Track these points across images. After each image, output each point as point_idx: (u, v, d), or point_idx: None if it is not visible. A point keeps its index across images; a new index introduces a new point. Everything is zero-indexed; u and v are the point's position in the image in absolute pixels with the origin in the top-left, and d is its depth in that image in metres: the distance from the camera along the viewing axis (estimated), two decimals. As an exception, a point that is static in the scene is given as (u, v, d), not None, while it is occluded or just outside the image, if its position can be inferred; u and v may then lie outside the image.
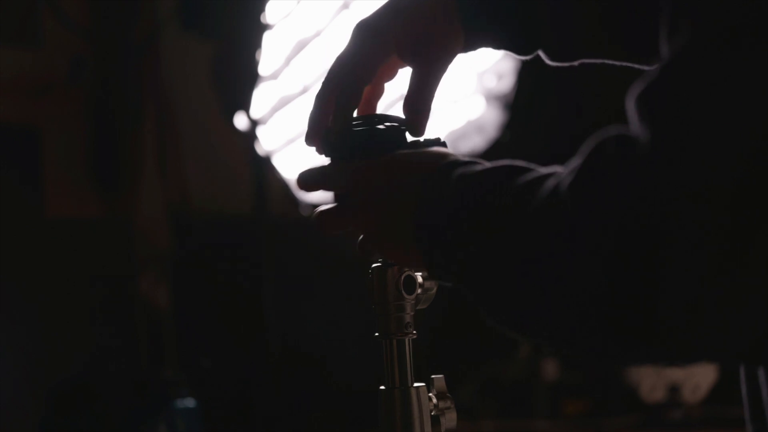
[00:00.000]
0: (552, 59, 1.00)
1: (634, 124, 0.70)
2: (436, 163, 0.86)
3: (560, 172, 0.76)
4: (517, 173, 0.79)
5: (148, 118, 2.97)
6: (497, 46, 0.99)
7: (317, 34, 3.21)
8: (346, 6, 3.22)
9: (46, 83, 2.81)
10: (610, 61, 1.01)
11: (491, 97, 3.29)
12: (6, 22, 2.76)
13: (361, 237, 0.92)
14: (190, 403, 2.60)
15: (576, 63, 1.01)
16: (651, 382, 2.95)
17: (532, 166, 0.80)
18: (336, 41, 3.22)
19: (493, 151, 3.18)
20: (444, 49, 0.96)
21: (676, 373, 2.94)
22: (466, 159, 0.85)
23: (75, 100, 2.87)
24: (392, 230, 0.87)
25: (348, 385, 2.79)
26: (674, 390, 2.94)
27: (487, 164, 0.83)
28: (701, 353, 0.71)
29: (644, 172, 0.68)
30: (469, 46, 0.98)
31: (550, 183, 0.75)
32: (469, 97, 3.31)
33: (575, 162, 0.74)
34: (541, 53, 1.00)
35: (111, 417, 2.66)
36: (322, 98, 0.96)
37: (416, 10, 0.95)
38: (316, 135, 0.97)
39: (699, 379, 2.95)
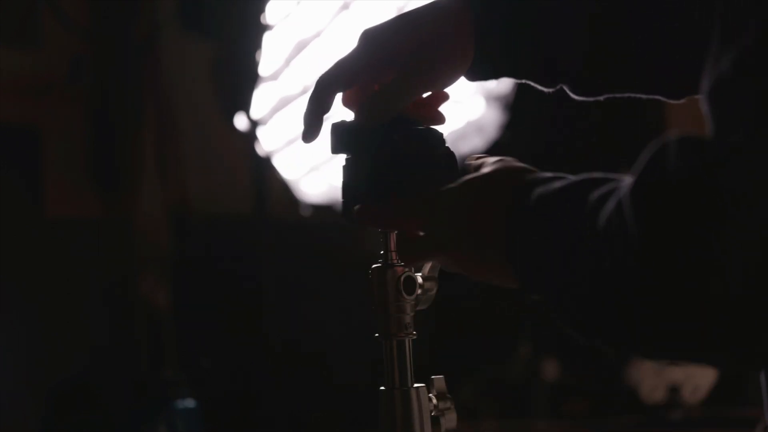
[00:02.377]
0: (576, 93, 0.99)
1: (708, 123, 0.69)
2: (512, 184, 0.85)
3: (616, 197, 0.74)
4: (591, 187, 0.78)
5: (148, 118, 2.97)
6: (517, 76, 0.98)
7: (317, 35, 3.21)
8: (346, 7, 3.22)
9: (46, 83, 2.81)
10: (636, 95, 1.00)
11: (491, 98, 3.29)
12: (6, 22, 2.76)
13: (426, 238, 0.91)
14: (190, 403, 2.60)
15: (601, 98, 1.00)
16: (651, 382, 2.95)
17: (608, 176, 0.79)
18: (336, 42, 3.22)
19: (493, 151, 3.18)
20: (445, 65, 0.95)
21: (676, 374, 2.94)
22: (543, 176, 0.84)
23: (75, 100, 2.87)
24: (482, 256, 0.86)
25: (348, 385, 2.79)
26: (674, 390, 2.94)
27: (564, 181, 0.82)
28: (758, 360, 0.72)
29: (719, 168, 0.67)
30: (482, 72, 0.97)
31: (615, 196, 0.74)
32: (469, 97, 3.31)
33: (636, 167, 0.72)
34: (565, 87, 0.99)
35: (111, 417, 2.66)
36: (317, 99, 0.96)
37: (425, 24, 0.95)
38: (314, 133, 0.96)
39: (699, 379, 2.95)
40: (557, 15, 0.95)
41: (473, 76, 0.98)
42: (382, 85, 0.95)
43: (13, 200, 2.71)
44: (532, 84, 0.99)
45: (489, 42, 0.95)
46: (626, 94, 1.00)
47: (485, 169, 0.89)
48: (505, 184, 0.86)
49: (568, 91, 0.99)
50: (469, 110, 3.33)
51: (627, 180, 0.73)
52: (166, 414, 2.58)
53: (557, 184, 0.81)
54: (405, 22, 0.96)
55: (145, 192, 2.96)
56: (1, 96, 2.72)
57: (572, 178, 0.81)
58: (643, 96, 1.00)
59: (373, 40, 0.95)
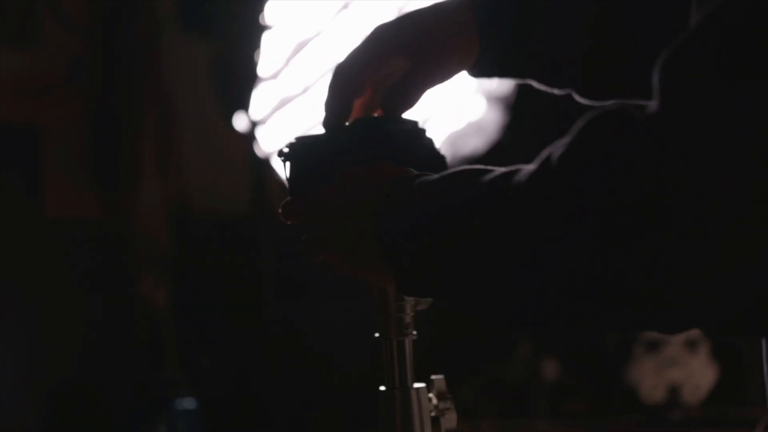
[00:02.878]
0: (582, 96, 0.99)
1: (654, 94, 0.69)
2: (391, 177, 0.85)
3: (530, 167, 0.74)
4: (481, 173, 0.77)
5: (148, 118, 2.97)
6: (521, 75, 0.99)
7: (317, 35, 3.21)
8: (345, 6, 3.22)
9: (46, 83, 2.81)
10: (644, 100, 1.00)
11: (492, 98, 3.29)
12: (6, 22, 2.76)
13: (313, 236, 0.92)
14: (190, 403, 2.60)
15: (608, 102, 1.00)
16: (651, 382, 2.95)
17: (493, 168, 0.78)
18: (336, 42, 3.22)
19: (493, 152, 3.18)
20: (450, 56, 0.96)
21: (676, 374, 2.94)
22: (422, 172, 0.84)
23: (75, 100, 2.87)
24: (357, 251, 0.85)
25: (348, 385, 2.79)
26: (674, 390, 2.94)
27: (446, 172, 0.81)
28: (691, 321, 0.71)
29: (650, 138, 0.67)
30: (486, 69, 0.98)
31: (527, 169, 0.73)
32: (469, 97, 3.31)
33: (566, 138, 0.72)
34: (571, 91, 0.99)
35: (111, 417, 2.66)
36: (334, 90, 0.97)
37: (430, 18, 0.96)
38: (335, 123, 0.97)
39: (699, 379, 2.95)
40: (560, 15, 0.96)
41: (477, 73, 0.98)
42: (398, 79, 0.96)
43: (13, 200, 2.71)
44: (537, 85, 0.99)
45: (492, 39, 0.96)
46: (634, 99, 1.00)
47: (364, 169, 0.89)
48: (383, 176, 0.86)
49: (574, 95, 0.99)
50: (469, 111, 3.33)
51: (550, 152, 0.72)
52: (166, 414, 2.58)
53: (437, 175, 0.81)
54: (411, 16, 0.97)
55: (145, 192, 2.96)
56: (1, 96, 2.72)
57: (453, 168, 0.81)
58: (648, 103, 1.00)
59: (383, 31, 0.97)
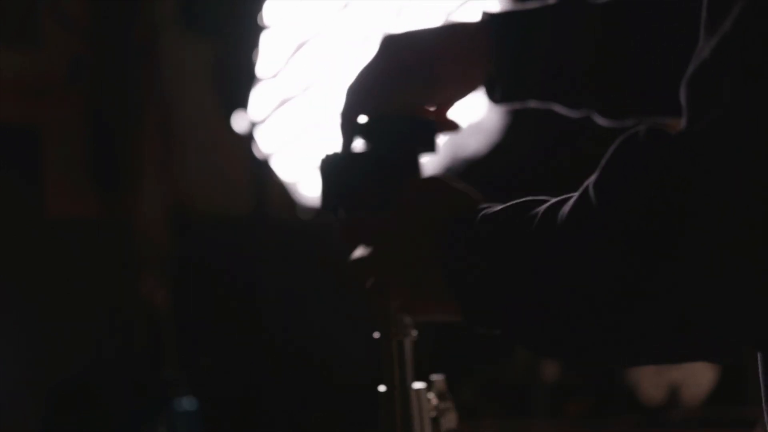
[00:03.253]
0: (602, 118, 0.99)
1: (684, 110, 0.69)
2: (453, 206, 0.85)
3: (574, 197, 0.74)
4: (536, 204, 0.78)
5: (148, 118, 2.97)
6: (538, 98, 0.99)
7: (317, 35, 3.21)
8: (345, 6, 3.22)
9: (46, 83, 2.81)
10: (662, 118, 1.00)
11: (491, 98, 3.28)
12: (6, 23, 2.76)
13: (377, 280, 0.90)
14: (190, 403, 2.60)
15: (628, 122, 0.99)
16: (651, 382, 2.95)
17: (550, 198, 0.79)
18: (335, 42, 3.22)
19: (493, 153, 3.18)
20: (460, 81, 0.97)
21: (676, 374, 2.94)
22: (484, 205, 0.83)
23: (75, 100, 2.87)
24: (420, 282, 0.85)
25: (348, 385, 2.79)
26: (674, 390, 2.94)
27: (507, 205, 0.81)
28: (735, 344, 0.71)
29: (680, 156, 0.66)
30: (508, 94, 0.98)
31: (571, 200, 0.73)
32: (470, 98, 3.30)
33: (601, 162, 0.72)
34: (590, 113, 0.99)
35: (111, 417, 2.66)
36: (349, 116, 0.97)
37: (443, 38, 0.96)
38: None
39: (699, 379, 2.95)
40: (573, 36, 0.96)
41: (499, 99, 0.99)
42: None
43: (13, 200, 2.71)
44: (559, 109, 1.00)
45: (512, 64, 0.96)
46: (651, 117, 1.00)
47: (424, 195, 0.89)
48: (445, 203, 0.85)
49: (594, 117, 0.99)
50: (469, 112, 3.33)
51: (588, 181, 0.72)
52: (166, 414, 2.58)
53: (498, 207, 0.81)
54: (425, 33, 0.97)
55: (145, 192, 2.96)
56: (1, 96, 2.72)
57: (516, 201, 0.81)
58: (669, 119, 1.00)
59: (392, 46, 0.97)
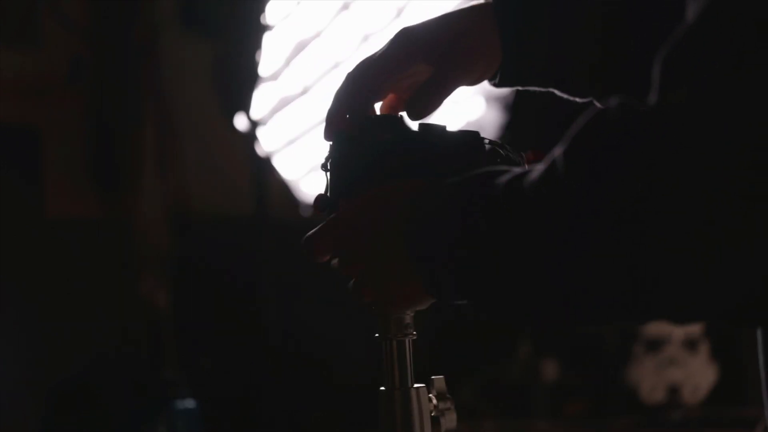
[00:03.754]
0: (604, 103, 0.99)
1: (654, 87, 0.69)
2: (415, 188, 0.85)
3: (540, 166, 0.75)
4: (499, 174, 0.78)
5: (148, 118, 2.97)
6: (545, 84, 0.99)
7: (317, 35, 3.21)
8: (345, 7, 3.22)
9: (46, 83, 2.81)
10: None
11: (491, 98, 3.29)
12: (6, 23, 2.76)
13: (354, 281, 0.91)
14: (189, 403, 2.60)
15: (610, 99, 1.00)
16: (651, 382, 2.95)
17: (509, 168, 0.80)
18: (336, 42, 3.22)
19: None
20: (475, 63, 0.96)
21: (676, 374, 2.94)
22: (449, 179, 0.84)
23: (75, 100, 2.87)
24: (385, 259, 0.86)
25: (348, 385, 2.79)
26: (674, 390, 2.94)
27: (467, 175, 0.82)
28: (697, 309, 0.71)
29: (648, 131, 0.67)
30: (509, 79, 0.98)
31: (538, 169, 0.74)
32: (469, 97, 3.31)
33: (570, 135, 0.73)
34: (593, 100, 0.99)
35: (111, 417, 2.66)
36: (344, 94, 0.96)
37: (458, 25, 0.96)
38: (334, 129, 0.96)
39: (699, 379, 2.95)
40: (580, 23, 0.96)
41: (500, 83, 0.99)
42: (422, 83, 0.96)
43: (13, 200, 2.71)
44: (560, 93, 0.99)
45: (515, 48, 0.96)
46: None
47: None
48: (407, 189, 0.86)
49: (595, 102, 0.99)
50: (469, 110, 3.33)
51: (555, 153, 0.73)
52: (166, 414, 2.58)
53: (458, 178, 0.81)
54: (437, 22, 0.97)
55: (145, 192, 2.96)
56: (1, 96, 2.72)
57: (474, 171, 0.81)
58: None
59: (408, 35, 0.96)
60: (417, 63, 0.95)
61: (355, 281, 0.91)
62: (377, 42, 3.25)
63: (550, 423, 3.00)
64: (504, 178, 0.77)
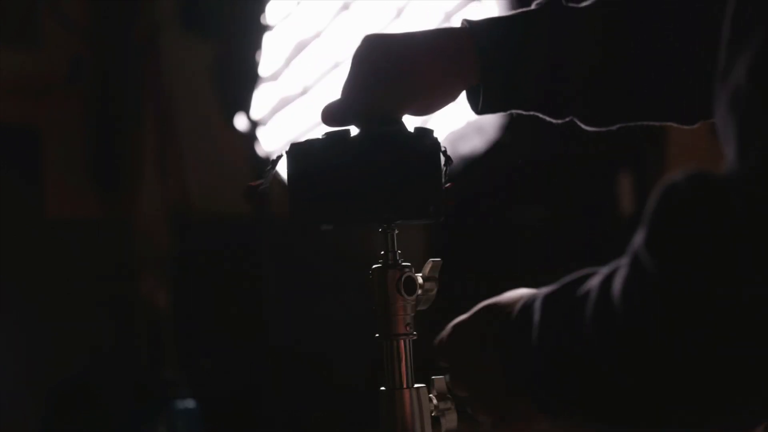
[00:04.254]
0: (587, 125, 0.98)
1: (729, 151, 0.63)
2: (508, 308, 0.85)
3: (623, 270, 0.69)
4: (583, 280, 0.74)
5: (148, 118, 2.97)
6: (524, 108, 0.98)
7: (317, 36, 3.21)
8: (345, 7, 3.22)
9: (46, 84, 2.81)
10: (649, 123, 0.99)
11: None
12: (6, 23, 2.76)
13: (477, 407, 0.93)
14: (190, 403, 2.60)
15: (614, 127, 0.99)
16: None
17: (596, 270, 0.74)
18: (336, 42, 3.22)
19: (493, 152, 3.18)
20: (438, 95, 0.96)
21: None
22: (530, 297, 0.81)
23: (75, 100, 2.87)
24: (489, 387, 0.88)
25: (348, 385, 2.79)
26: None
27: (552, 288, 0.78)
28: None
29: (733, 202, 0.61)
30: (489, 106, 0.97)
31: (621, 274, 0.68)
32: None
33: (645, 217, 0.66)
34: (575, 119, 0.99)
35: (111, 417, 2.66)
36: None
37: (427, 47, 0.95)
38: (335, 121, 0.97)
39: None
40: (562, 48, 0.95)
41: (482, 110, 0.98)
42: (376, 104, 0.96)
43: (13, 200, 2.71)
44: (542, 116, 0.99)
45: (494, 76, 0.95)
46: (639, 123, 0.99)
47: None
48: (503, 310, 0.86)
49: (578, 123, 0.99)
50: (469, 111, 3.33)
51: (635, 239, 0.67)
52: (166, 414, 2.58)
53: (545, 294, 0.78)
54: (406, 38, 0.96)
55: (145, 192, 2.96)
56: (1, 96, 2.72)
57: (558, 284, 0.77)
58: (656, 123, 0.99)
59: (373, 51, 0.96)
60: (380, 88, 0.95)
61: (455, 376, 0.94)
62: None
63: (550, 423, 2.99)
64: (592, 286, 0.71)
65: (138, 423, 2.61)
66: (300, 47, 3.19)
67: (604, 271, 0.71)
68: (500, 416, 0.89)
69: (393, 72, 0.94)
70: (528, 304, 0.80)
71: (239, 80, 2.97)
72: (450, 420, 0.98)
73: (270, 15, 3.03)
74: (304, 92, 3.21)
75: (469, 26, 0.95)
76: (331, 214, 0.96)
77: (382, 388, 0.98)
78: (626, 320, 0.66)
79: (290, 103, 3.21)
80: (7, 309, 2.65)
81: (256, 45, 2.95)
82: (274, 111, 3.19)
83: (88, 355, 2.75)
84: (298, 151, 0.97)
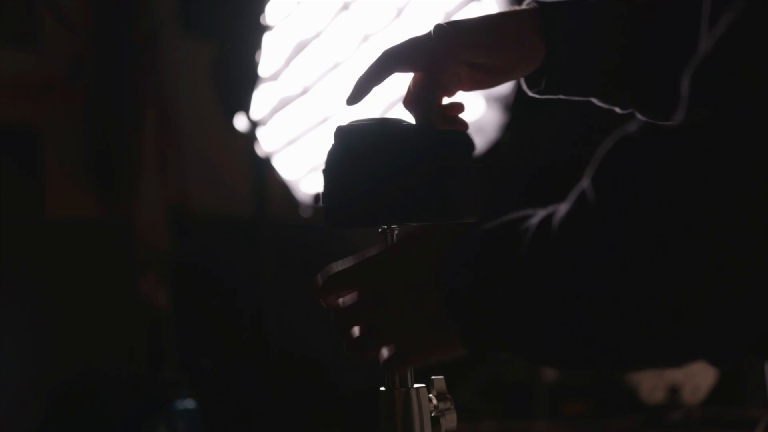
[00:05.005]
0: (645, 115, 0.99)
1: (681, 104, 0.69)
2: (447, 234, 0.84)
3: (565, 206, 0.74)
4: (524, 219, 0.78)
5: (148, 118, 2.97)
6: (587, 93, 0.99)
7: (317, 36, 3.21)
8: (345, 7, 3.22)
9: (45, 84, 2.81)
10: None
11: (491, 99, 3.29)
12: (6, 23, 2.76)
13: (364, 333, 0.89)
14: (189, 404, 2.60)
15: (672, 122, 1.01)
16: (651, 383, 2.94)
17: (535, 211, 0.79)
18: (336, 42, 3.22)
19: (493, 152, 3.18)
20: (515, 69, 0.97)
21: (676, 374, 2.94)
22: (474, 229, 0.83)
23: (75, 101, 2.87)
24: (419, 307, 0.84)
25: (348, 386, 2.79)
26: (674, 391, 2.94)
27: (496, 222, 0.81)
28: (713, 345, 0.70)
29: (676, 150, 0.67)
30: (552, 87, 0.98)
31: (563, 208, 0.74)
32: (469, 98, 3.30)
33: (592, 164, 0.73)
34: (634, 109, 1.00)
35: (111, 417, 2.66)
36: (377, 67, 0.96)
37: (502, 28, 0.96)
38: (359, 98, 0.96)
39: (699, 380, 2.95)
40: (628, 35, 0.96)
41: (543, 91, 0.99)
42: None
43: (13, 200, 2.71)
44: (599, 103, 1.00)
45: (559, 59, 0.96)
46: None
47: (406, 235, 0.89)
48: (438, 234, 0.85)
49: (637, 114, 0.99)
50: (469, 111, 3.32)
51: (580, 186, 0.72)
52: (166, 414, 2.58)
53: (486, 226, 0.80)
54: (483, 22, 0.97)
55: (145, 193, 2.95)
56: (1, 96, 2.72)
57: (501, 218, 0.80)
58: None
59: (450, 30, 0.95)
60: (454, 57, 0.96)
61: (367, 333, 0.88)
62: (377, 42, 3.25)
63: (550, 423, 3.00)
64: (532, 222, 0.76)
65: (138, 423, 2.61)
66: (300, 47, 3.19)
67: (542, 212, 0.76)
68: (403, 343, 0.86)
69: (472, 38, 0.95)
70: (467, 234, 0.81)
71: (239, 81, 2.97)
72: (450, 420, 0.98)
73: (270, 15, 3.03)
74: (304, 92, 3.21)
75: (539, 6, 0.96)
76: (375, 215, 0.94)
77: (382, 388, 0.98)
78: (562, 245, 0.71)
79: (290, 103, 3.21)
80: (7, 309, 2.65)
81: (256, 45, 2.95)
82: (274, 111, 3.19)
83: (88, 355, 2.75)
84: (344, 140, 0.94)
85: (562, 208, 0.73)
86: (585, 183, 0.72)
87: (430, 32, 0.96)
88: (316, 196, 0.97)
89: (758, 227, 0.64)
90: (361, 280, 0.89)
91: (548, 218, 0.75)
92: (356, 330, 0.89)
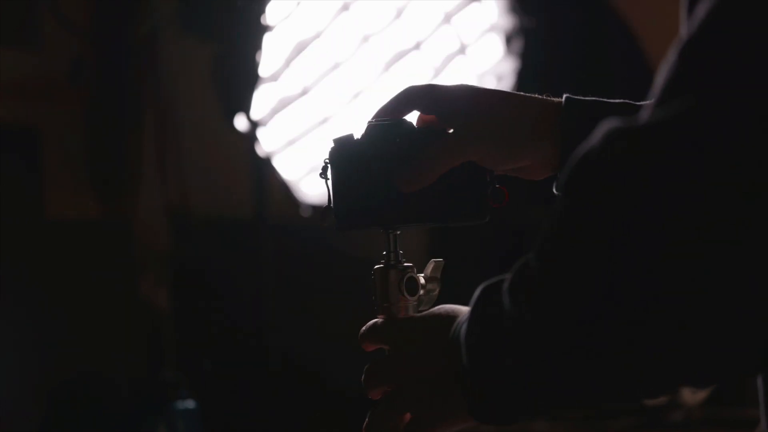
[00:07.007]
0: None
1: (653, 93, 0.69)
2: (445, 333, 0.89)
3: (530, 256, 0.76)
4: (495, 287, 0.80)
5: (148, 119, 2.97)
6: None
7: (317, 36, 3.21)
8: (345, 8, 3.22)
9: (46, 84, 2.81)
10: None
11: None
12: (6, 24, 2.76)
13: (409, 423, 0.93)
14: (189, 404, 2.60)
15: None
16: (651, 383, 2.94)
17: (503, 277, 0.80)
18: (336, 43, 3.23)
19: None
20: (527, 157, 0.98)
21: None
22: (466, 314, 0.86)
23: (75, 101, 2.87)
24: (439, 397, 0.89)
25: (348, 387, 2.79)
26: (674, 391, 2.94)
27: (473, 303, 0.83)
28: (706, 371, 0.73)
29: (641, 152, 0.67)
30: None
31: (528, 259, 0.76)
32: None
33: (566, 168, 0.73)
34: None
35: (111, 417, 2.66)
36: (397, 102, 0.96)
37: (526, 112, 0.97)
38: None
39: (699, 380, 2.95)
40: None
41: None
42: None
43: (13, 201, 2.71)
44: None
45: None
46: None
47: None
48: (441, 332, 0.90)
49: None
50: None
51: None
52: (166, 414, 2.58)
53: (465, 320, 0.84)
54: (512, 99, 0.97)
55: (145, 193, 2.95)
56: (1, 97, 2.72)
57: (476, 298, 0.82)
58: None
59: (478, 99, 0.96)
60: (470, 129, 0.96)
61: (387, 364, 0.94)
62: (377, 42, 3.25)
63: (550, 423, 2.99)
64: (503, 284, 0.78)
65: (138, 424, 2.61)
66: (300, 47, 3.19)
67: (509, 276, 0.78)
68: (420, 412, 0.90)
69: (496, 117, 0.97)
70: (460, 323, 0.86)
71: (239, 81, 2.97)
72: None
73: (270, 15, 3.03)
74: (304, 92, 3.21)
75: (565, 101, 0.97)
76: (381, 217, 0.95)
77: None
78: (541, 279, 0.73)
79: (290, 104, 3.21)
80: (7, 309, 2.65)
81: (256, 46, 2.95)
82: (274, 111, 3.19)
83: (88, 356, 2.75)
84: (343, 149, 0.95)
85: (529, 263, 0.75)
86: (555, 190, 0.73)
87: (445, 129, 0.95)
88: (322, 213, 0.97)
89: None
90: (386, 379, 0.94)
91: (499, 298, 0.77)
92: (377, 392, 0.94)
